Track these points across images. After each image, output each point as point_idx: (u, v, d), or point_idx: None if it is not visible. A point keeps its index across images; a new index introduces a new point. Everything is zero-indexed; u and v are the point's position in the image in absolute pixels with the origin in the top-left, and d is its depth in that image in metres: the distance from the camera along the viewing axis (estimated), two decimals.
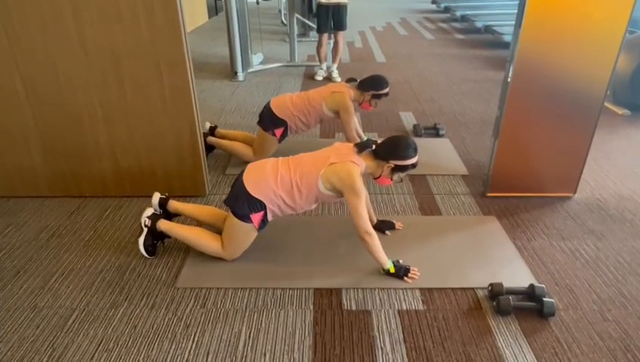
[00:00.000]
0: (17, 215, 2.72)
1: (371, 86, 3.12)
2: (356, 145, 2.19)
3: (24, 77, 2.55)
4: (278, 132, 3.12)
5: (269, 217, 2.20)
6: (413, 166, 2.16)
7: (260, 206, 2.13)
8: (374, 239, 2.12)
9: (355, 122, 3.15)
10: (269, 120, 3.12)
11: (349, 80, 3.21)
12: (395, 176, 2.18)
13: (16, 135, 2.71)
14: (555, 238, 2.52)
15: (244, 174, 2.19)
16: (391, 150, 2.14)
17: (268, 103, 3.17)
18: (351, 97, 3.09)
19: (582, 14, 2.39)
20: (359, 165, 2.11)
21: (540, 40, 2.45)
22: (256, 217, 2.15)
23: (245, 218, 2.15)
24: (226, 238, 2.25)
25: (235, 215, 2.15)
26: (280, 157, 2.25)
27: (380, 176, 2.18)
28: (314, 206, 2.26)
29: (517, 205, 2.82)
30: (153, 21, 2.41)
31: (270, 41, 7.29)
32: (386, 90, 3.13)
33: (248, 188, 2.12)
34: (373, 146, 2.17)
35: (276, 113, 3.09)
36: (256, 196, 2.11)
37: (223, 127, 3.55)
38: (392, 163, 2.12)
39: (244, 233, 2.21)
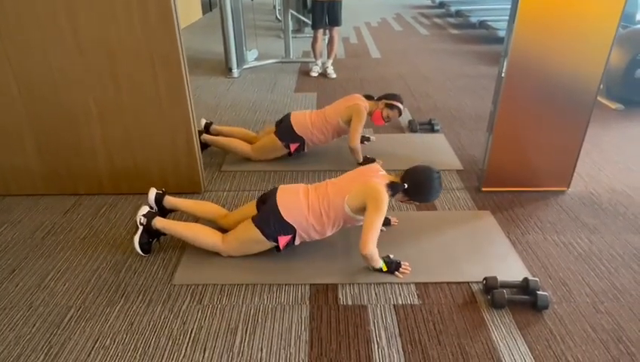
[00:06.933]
0: (12, 213, 2.71)
1: (385, 96, 3.22)
2: (390, 177, 2.23)
3: (17, 74, 2.53)
4: (293, 146, 3.20)
5: (297, 241, 2.22)
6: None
7: (290, 230, 2.16)
8: (375, 256, 2.13)
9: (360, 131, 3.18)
10: (287, 133, 3.18)
11: (366, 96, 3.26)
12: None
13: (10, 133, 2.69)
14: (548, 232, 2.54)
15: (278, 198, 2.19)
16: (419, 193, 2.21)
17: (288, 116, 3.23)
18: (365, 108, 3.15)
19: (575, 9, 2.40)
20: (384, 183, 2.15)
21: (533, 35, 2.46)
22: (283, 239, 2.17)
23: (271, 238, 2.17)
24: (235, 239, 2.25)
25: (263, 233, 2.16)
26: (309, 185, 2.29)
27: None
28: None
29: (511, 200, 2.84)
30: (147, 18, 2.40)
31: (265, 37, 7.27)
32: (398, 103, 3.19)
33: (282, 212, 2.14)
34: (406, 186, 2.18)
35: (296, 130, 3.16)
36: (288, 221, 2.14)
37: (218, 124, 3.55)
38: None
39: (260, 246, 2.23)
